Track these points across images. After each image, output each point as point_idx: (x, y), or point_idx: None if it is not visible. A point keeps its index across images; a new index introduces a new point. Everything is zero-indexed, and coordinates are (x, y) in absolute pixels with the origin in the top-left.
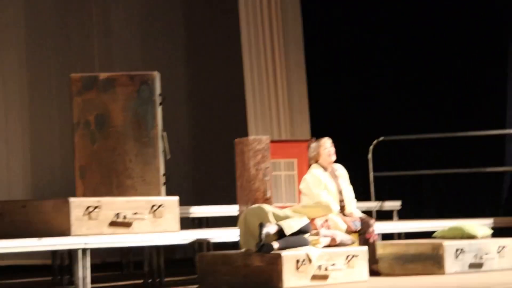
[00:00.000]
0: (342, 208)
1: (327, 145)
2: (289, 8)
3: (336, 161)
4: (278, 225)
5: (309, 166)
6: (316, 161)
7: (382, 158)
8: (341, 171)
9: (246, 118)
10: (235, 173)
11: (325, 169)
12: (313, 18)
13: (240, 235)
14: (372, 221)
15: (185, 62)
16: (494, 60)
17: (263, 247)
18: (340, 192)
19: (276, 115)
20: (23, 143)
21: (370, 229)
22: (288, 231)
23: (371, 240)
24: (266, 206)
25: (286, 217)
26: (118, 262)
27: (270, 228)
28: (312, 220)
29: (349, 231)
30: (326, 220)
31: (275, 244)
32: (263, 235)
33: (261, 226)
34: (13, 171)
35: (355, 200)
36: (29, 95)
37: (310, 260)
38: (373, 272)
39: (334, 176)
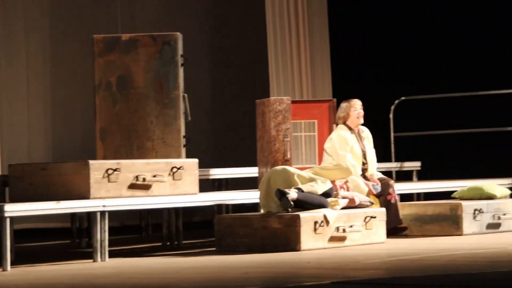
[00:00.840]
0: (364, 171)
1: (357, 107)
2: None
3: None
4: (299, 189)
5: (336, 125)
6: (344, 122)
7: (403, 118)
8: (367, 134)
9: (268, 79)
10: (256, 135)
11: (351, 130)
12: None
13: (261, 197)
14: (391, 181)
15: (207, 22)
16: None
17: (283, 198)
18: (364, 155)
19: (298, 76)
20: (44, 105)
21: (390, 190)
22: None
23: (392, 201)
24: (289, 168)
25: (311, 179)
26: (137, 224)
27: (292, 194)
28: (332, 181)
29: (369, 194)
30: (346, 182)
31: (294, 194)
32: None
33: (282, 193)
34: (34, 134)
35: (376, 163)
36: (51, 57)
37: (327, 222)
38: (398, 231)
39: (360, 138)
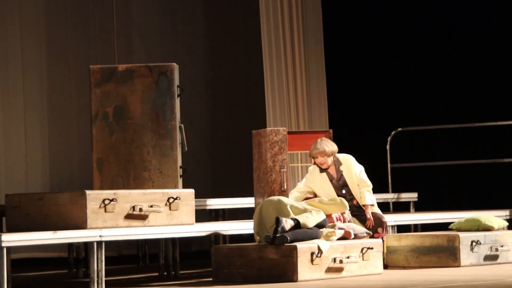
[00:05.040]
0: (353, 201)
1: (317, 160)
2: None
3: (352, 151)
4: (294, 219)
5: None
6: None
7: (400, 149)
8: (346, 162)
9: (264, 109)
10: (253, 165)
11: (321, 168)
12: (333, 9)
13: (254, 227)
14: (384, 219)
15: (204, 53)
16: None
17: (276, 239)
18: (341, 188)
19: (294, 106)
20: (42, 136)
21: (379, 229)
22: (304, 226)
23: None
24: (283, 198)
25: (305, 210)
26: (134, 254)
27: (287, 223)
28: (328, 214)
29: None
30: (343, 213)
31: (288, 237)
32: (279, 230)
33: (278, 221)
34: (31, 164)
35: (368, 188)
36: (48, 87)
37: (321, 252)
38: None
39: (334, 174)
